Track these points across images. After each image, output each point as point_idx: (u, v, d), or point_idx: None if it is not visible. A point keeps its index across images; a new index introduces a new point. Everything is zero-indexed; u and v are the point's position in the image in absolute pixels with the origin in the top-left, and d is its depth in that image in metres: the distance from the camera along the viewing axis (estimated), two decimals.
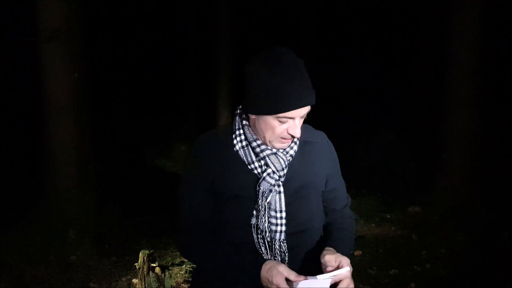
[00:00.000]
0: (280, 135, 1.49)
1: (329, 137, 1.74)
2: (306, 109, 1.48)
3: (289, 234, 1.55)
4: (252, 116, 1.52)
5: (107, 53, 9.82)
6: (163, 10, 10.39)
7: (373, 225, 4.65)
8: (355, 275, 3.51)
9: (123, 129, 8.86)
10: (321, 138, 1.70)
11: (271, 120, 1.47)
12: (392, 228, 4.55)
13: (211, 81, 8.04)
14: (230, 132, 1.60)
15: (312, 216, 1.62)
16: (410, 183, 6.12)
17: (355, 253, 3.83)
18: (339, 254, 1.47)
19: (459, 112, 4.75)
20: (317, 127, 1.78)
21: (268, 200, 1.53)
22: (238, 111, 1.62)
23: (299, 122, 1.48)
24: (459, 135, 4.76)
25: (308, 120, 1.58)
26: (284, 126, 1.48)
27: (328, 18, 9.86)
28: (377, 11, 10.65)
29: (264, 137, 1.52)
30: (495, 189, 5.23)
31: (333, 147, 1.73)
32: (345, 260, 1.45)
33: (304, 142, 1.63)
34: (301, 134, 1.61)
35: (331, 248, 1.52)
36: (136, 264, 2.99)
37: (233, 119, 1.62)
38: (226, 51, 7.42)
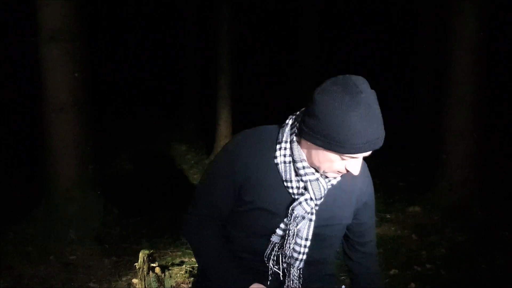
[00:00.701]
0: (338, 169, 1.39)
1: None
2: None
3: (308, 262, 1.52)
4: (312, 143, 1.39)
5: (107, 53, 9.83)
6: (163, 10, 10.39)
7: None
8: None
9: (123, 129, 8.87)
10: (362, 169, 1.57)
11: (333, 155, 1.36)
12: (392, 228, 4.55)
13: (211, 81, 8.04)
14: (274, 139, 1.49)
15: (331, 247, 1.59)
16: (410, 183, 6.11)
17: None
18: None
19: (459, 112, 4.75)
20: None
21: (298, 227, 1.46)
22: (290, 122, 1.48)
23: (361, 160, 1.39)
24: (459, 135, 4.76)
25: None
26: (344, 162, 1.38)
27: (328, 18, 9.86)
28: (377, 11, 10.65)
29: (318, 167, 1.41)
30: (495, 189, 5.24)
31: (371, 180, 1.64)
32: None
33: None
34: None
35: None
36: (136, 264, 2.99)
37: (282, 127, 1.49)
38: (226, 51, 7.41)
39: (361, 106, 1.28)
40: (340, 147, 1.31)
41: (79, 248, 3.89)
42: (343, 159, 1.36)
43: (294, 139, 1.44)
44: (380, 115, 1.33)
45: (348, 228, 1.61)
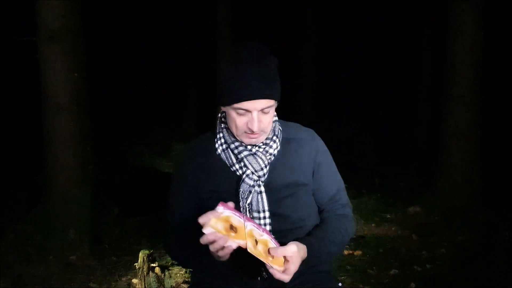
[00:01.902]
0: (242, 128, 1.51)
1: (328, 136, 1.72)
2: (262, 103, 1.47)
3: (280, 231, 1.54)
4: (224, 109, 1.56)
5: (107, 53, 9.82)
6: (163, 10, 10.39)
7: (373, 225, 4.65)
8: (355, 275, 3.50)
9: (123, 129, 8.86)
10: (307, 134, 1.67)
11: (231, 112, 1.50)
12: (392, 228, 4.55)
13: (211, 81, 8.04)
14: (214, 136, 1.64)
15: (303, 214, 1.60)
16: (410, 183, 6.11)
17: (355, 253, 3.83)
18: (295, 256, 1.39)
19: (459, 112, 4.75)
20: (317, 124, 1.77)
21: (248, 201, 1.53)
22: (219, 115, 1.65)
23: (257, 115, 1.48)
24: (459, 135, 4.76)
25: (309, 117, 1.57)
26: (244, 119, 1.49)
27: (328, 19, 9.86)
28: (377, 11, 10.66)
29: (233, 133, 1.55)
30: (495, 189, 5.23)
31: (323, 143, 1.69)
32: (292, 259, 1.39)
33: (288, 140, 1.63)
34: (286, 131, 1.64)
35: (299, 244, 1.43)
36: (136, 264, 2.99)
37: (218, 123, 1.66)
38: (226, 51, 7.41)
39: (242, 61, 1.45)
40: (227, 98, 1.48)
41: (79, 248, 3.89)
42: (239, 114, 1.49)
43: (223, 126, 1.61)
44: (268, 70, 1.47)
45: (317, 200, 1.66)
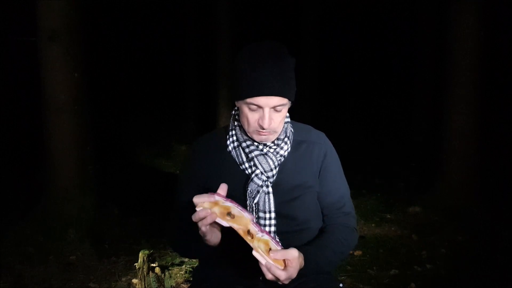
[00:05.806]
0: (253, 125, 1.51)
1: (328, 136, 1.72)
2: (275, 100, 1.47)
3: (286, 232, 1.54)
4: (238, 105, 1.56)
5: (107, 53, 9.83)
6: (163, 9, 10.39)
7: (373, 225, 4.65)
8: (355, 275, 3.49)
9: (123, 129, 8.87)
10: (317, 138, 1.67)
11: (244, 108, 1.50)
12: (392, 228, 4.55)
13: (211, 81, 8.04)
14: (226, 133, 1.63)
15: (309, 217, 1.61)
16: (410, 183, 6.11)
17: (355, 253, 3.83)
18: (295, 262, 1.38)
19: (458, 112, 4.74)
20: (317, 125, 1.77)
21: (256, 201, 1.53)
22: (233, 112, 1.65)
23: (269, 113, 1.48)
24: (459, 135, 4.76)
25: (309, 118, 1.58)
26: (256, 115, 1.49)
27: (328, 19, 9.86)
28: (377, 11, 10.66)
29: (245, 129, 1.55)
30: (495, 189, 5.23)
31: (332, 148, 1.69)
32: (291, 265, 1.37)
33: (299, 142, 1.63)
34: (297, 133, 1.63)
35: (297, 252, 1.41)
36: (136, 264, 2.99)
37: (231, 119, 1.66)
38: (226, 52, 7.41)
39: (259, 57, 1.45)
40: (241, 92, 1.47)
41: (78, 248, 3.89)
42: (251, 109, 1.49)
43: (236, 123, 1.61)
44: (283, 69, 1.47)
45: (319, 204, 1.65)
